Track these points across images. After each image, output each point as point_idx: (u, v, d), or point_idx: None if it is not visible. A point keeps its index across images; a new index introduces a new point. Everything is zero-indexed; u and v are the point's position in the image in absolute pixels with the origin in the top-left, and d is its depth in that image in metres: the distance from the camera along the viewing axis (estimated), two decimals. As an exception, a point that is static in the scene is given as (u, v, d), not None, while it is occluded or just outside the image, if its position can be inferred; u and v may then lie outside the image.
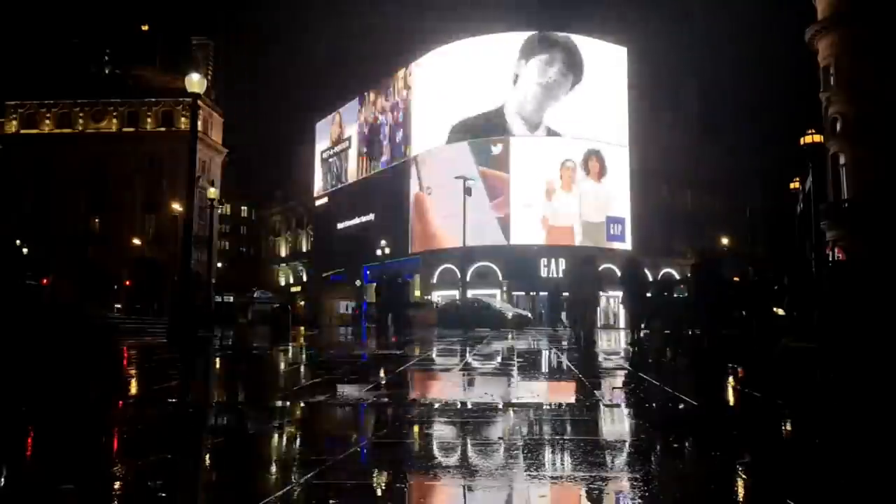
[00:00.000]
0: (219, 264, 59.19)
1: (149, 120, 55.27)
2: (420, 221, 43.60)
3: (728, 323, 11.47)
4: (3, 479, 2.89)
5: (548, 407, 5.07)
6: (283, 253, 74.33)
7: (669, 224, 43.46)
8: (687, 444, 3.84)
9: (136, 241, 50.99)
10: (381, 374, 7.59)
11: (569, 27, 42.22)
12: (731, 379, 7.33)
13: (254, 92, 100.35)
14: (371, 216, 48.92)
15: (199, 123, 35.14)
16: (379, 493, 2.73)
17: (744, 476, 2.98)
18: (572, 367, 8.14)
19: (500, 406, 4.78)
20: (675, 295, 12.96)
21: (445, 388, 6.40)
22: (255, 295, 37.44)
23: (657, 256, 40.96)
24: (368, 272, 46.79)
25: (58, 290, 42.95)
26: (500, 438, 3.66)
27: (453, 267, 40.12)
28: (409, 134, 45.91)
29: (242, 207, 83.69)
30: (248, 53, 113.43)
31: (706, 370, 8.17)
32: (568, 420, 4.40)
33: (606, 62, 42.41)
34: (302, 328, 24.60)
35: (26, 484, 2.82)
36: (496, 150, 40.71)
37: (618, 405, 5.17)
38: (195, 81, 13.08)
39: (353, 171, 54.11)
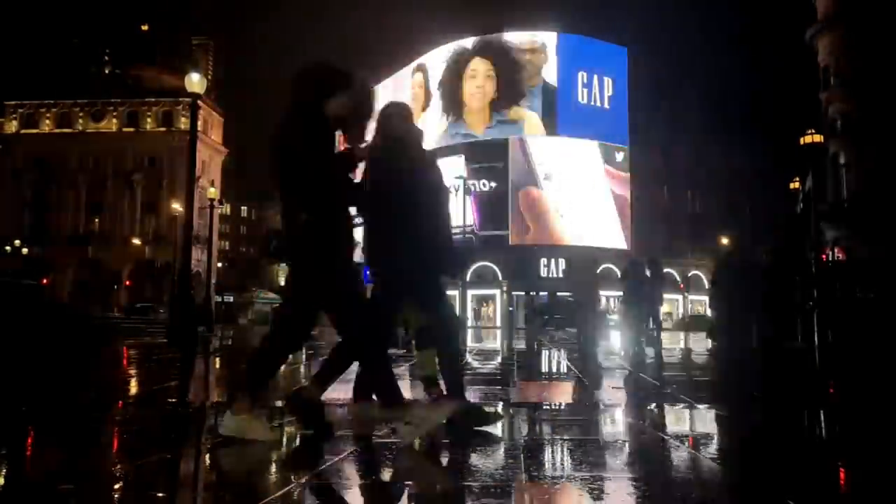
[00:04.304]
0: (219, 264, 59.20)
1: (149, 120, 55.30)
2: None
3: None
4: (2, 479, 2.88)
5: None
6: (283, 253, 74.30)
7: (669, 224, 43.48)
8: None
9: (136, 241, 51.00)
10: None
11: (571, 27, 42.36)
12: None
13: (254, 92, 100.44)
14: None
15: (199, 123, 35.13)
16: (380, 496, 2.73)
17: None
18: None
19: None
20: None
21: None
22: (255, 295, 37.47)
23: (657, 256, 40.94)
24: (369, 272, 46.77)
25: (58, 289, 42.97)
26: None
27: (453, 267, 40.07)
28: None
29: (242, 207, 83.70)
30: (248, 53, 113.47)
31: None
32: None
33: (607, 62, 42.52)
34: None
35: (26, 484, 2.81)
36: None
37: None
38: (195, 81, 13.09)
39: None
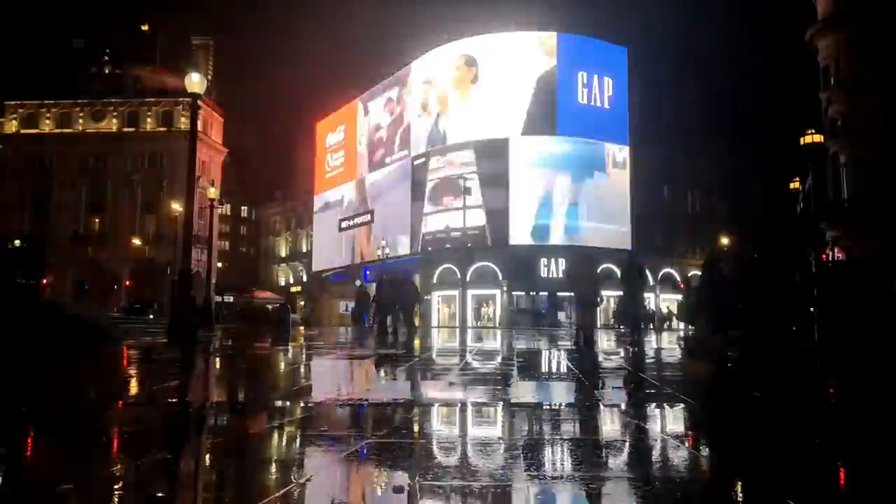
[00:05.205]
0: (219, 264, 59.17)
1: (149, 120, 55.26)
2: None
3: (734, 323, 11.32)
4: (2, 479, 2.89)
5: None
6: (283, 253, 74.32)
7: (669, 224, 43.49)
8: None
9: (137, 241, 50.97)
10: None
11: (572, 27, 42.31)
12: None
13: (254, 92, 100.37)
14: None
15: (199, 123, 35.08)
16: (378, 496, 2.73)
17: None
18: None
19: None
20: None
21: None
22: (255, 295, 37.45)
23: (657, 256, 40.99)
24: (368, 272, 46.77)
25: (57, 289, 42.95)
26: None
27: (453, 267, 40.11)
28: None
29: (242, 207, 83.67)
30: (248, 53, 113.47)
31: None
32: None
33: (607, 62, 42.49)
34: (302, 328, 24.63)
35: (26, 484, 2.81)
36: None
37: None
38: (195, 81, 13.08)
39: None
